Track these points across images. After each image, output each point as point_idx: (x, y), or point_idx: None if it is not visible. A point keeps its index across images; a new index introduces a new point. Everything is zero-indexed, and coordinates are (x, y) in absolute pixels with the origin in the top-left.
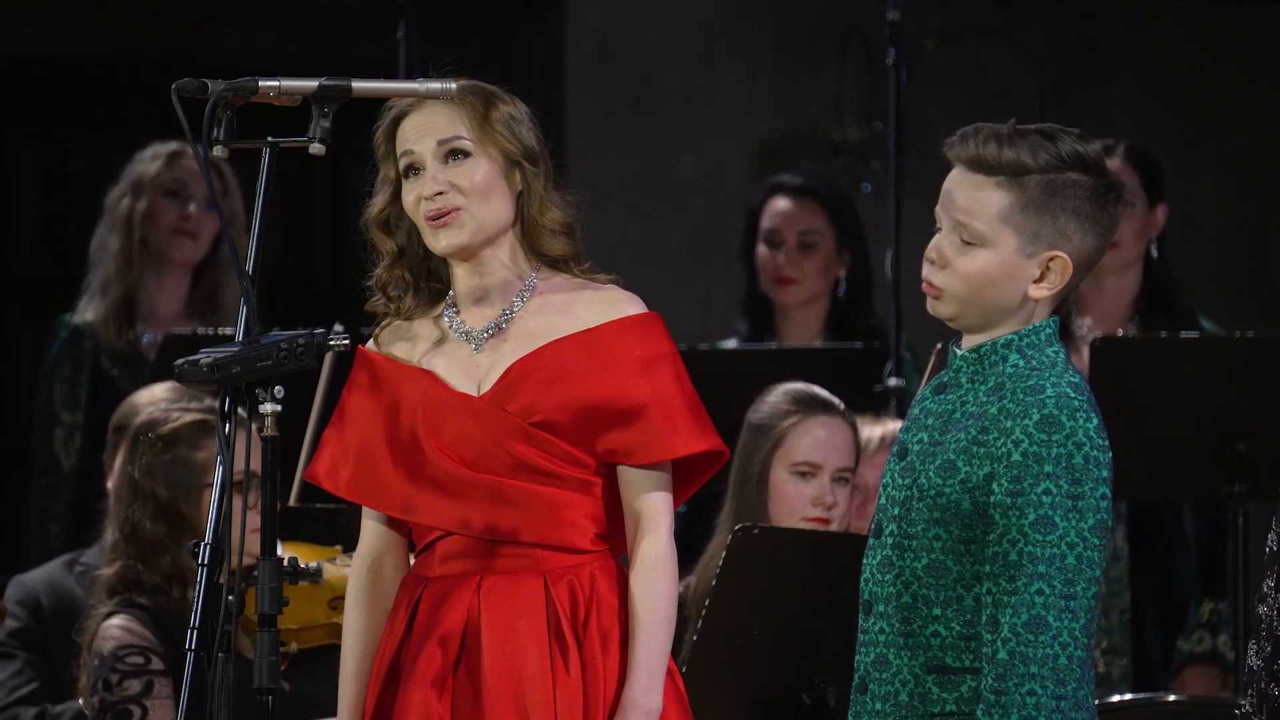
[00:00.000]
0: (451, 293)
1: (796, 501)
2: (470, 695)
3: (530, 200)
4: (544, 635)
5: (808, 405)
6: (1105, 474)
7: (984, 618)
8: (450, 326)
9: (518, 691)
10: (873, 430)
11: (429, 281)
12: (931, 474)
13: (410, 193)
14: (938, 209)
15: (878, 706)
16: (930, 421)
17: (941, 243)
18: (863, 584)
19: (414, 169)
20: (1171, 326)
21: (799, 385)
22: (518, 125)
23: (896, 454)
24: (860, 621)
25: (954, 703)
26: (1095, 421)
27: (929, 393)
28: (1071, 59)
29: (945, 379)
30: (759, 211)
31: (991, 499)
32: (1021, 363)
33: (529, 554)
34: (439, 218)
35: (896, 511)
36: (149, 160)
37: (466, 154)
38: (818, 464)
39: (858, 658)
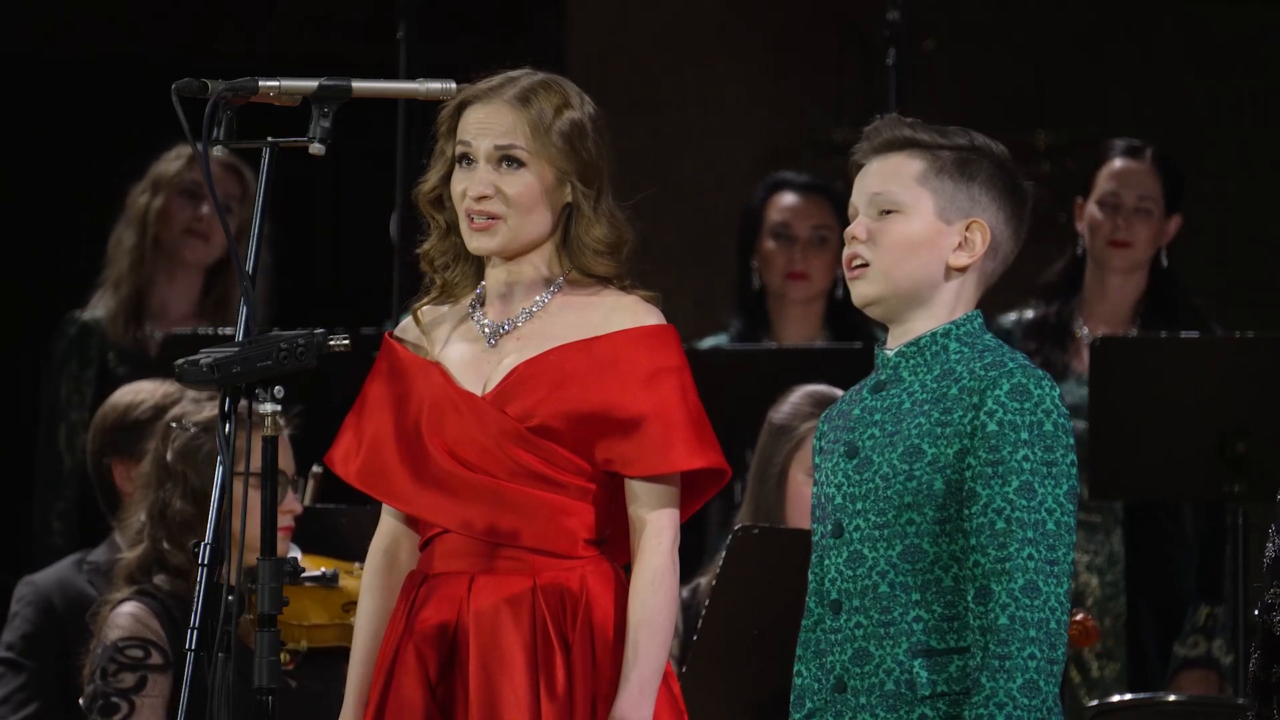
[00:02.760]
0: (482, 284)
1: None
2: (461, 695)
3: (577, 218)
4: (530, 646)
5: (827, 408)
6: (1070, 441)
7: (971, 591)
8: (473, 318)
9: (495, 708)
10: None
11: (471, 261)
12: (895, 461)
13: (459, 183)
14: (852, 201)
15: (861, 701)
16: (878, 418)
17: (860, 223)
18: (828, 585)
19: (468, 159)
20: (1173, 330)
21: (821, 387)
22: (580, 139)
23: (845, 454)
24: (829, 623)
25: (944, 683)
26: (1058, 390)
27: (867, 394)
28: (1071, 59)
29: (882, 378)
30: (760, 208)
31: (968, 473)
32: (966, 349)
33: (524, 558)
34: (478, 220)
35: (859, 506)
36: (171, 160)
37: (520, 163)
38: None
39: (830, 658)
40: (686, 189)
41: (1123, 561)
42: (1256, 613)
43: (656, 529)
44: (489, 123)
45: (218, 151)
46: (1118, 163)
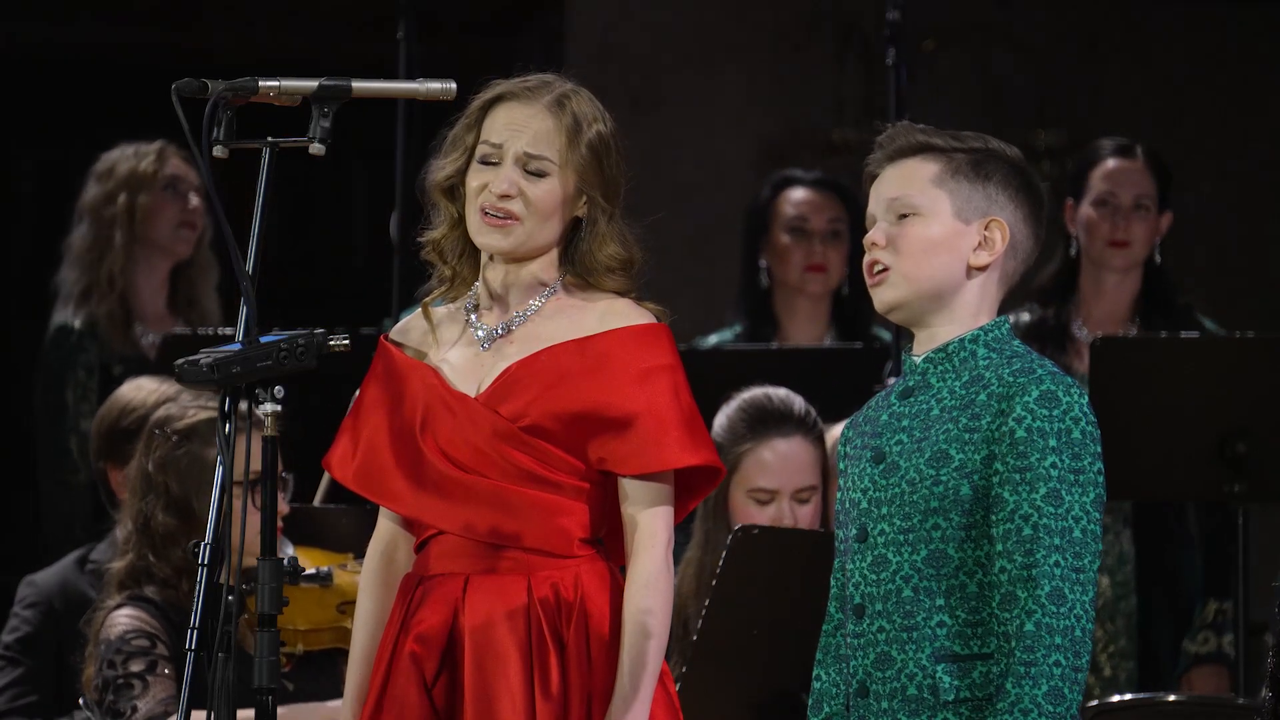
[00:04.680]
0: (477, 285)
1: (760, 520)
2: (457, 696)
3: (591, 233)
4: (525, 646)
5: (761, 425)
6: (1098, 449)
7: (998, 597)
8: (468, 322)
9: (491, 708)
10: None
11: (476, 254)
12: (922, 466)
13: (478, 178)
14: (869, 209)
15: (884, 705)
16: (906, 424)
17: (879, 229)
18: (851, 589)
19: (490, 159)
20: (1171, 329)
21: (756, 397)
22: (606, 154)
23: (871, 459)
24: (852, 627)
25: (967, 689)
26: (1086, 398)
27: (895, 400)
28: (1071, 59)
29: (910, 383)
30: (769, 205)
31: (995, 479)
32: (994, 355)
33: (519, 558)
34: (494, 216)
35: (884, 511)
36: (134, 157)
37: (546, 174)
38: (773, 489)
39: (853, 663)
40: (686, 189)
41: (1133, 561)
42: (1277, 609)
43: (650, 529)
44: (523, 125)
45: (218, 151)
46: (1111, 162)
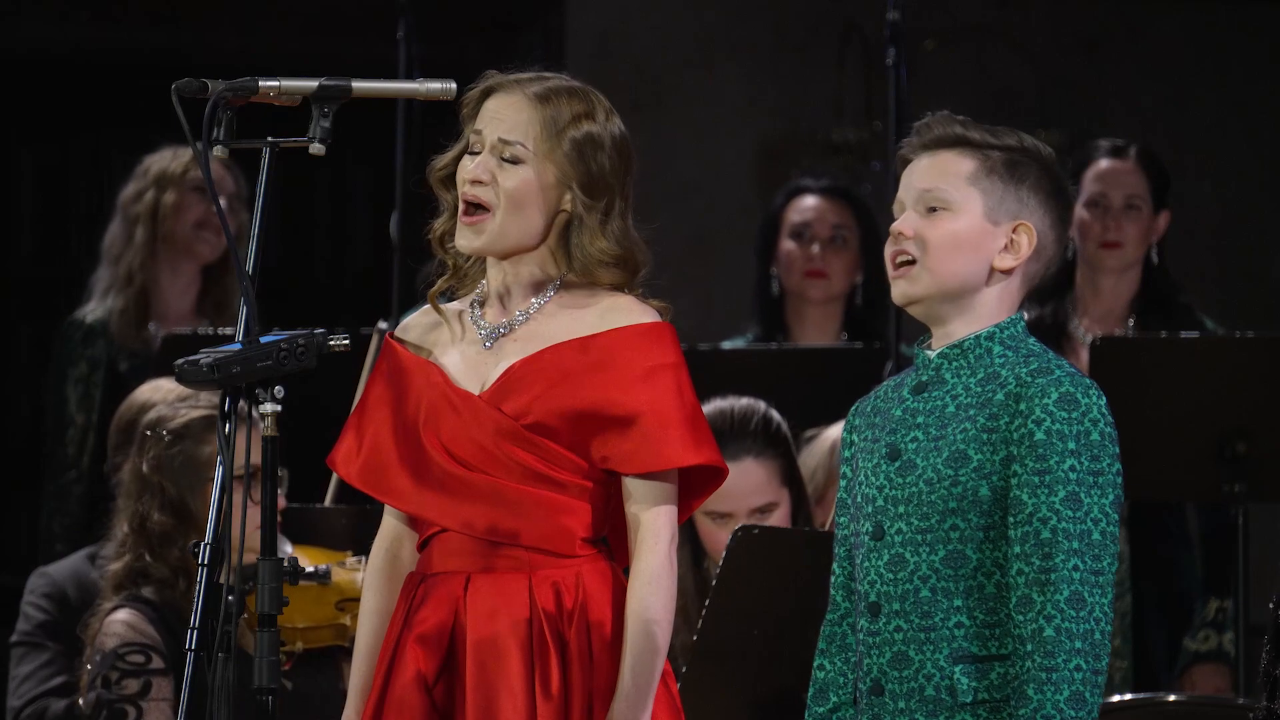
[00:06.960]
0: (483, 284)
1: (720, 538)
2: (458, 695)
3: (580, 228)
4: (527, 645)
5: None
6: (1116, 450)
7: (1014, 599)
8: (472, 319)
9: (492, 707)
10: None
11: None
12: (940, 466)
13: (463, 169)
14: (899, 196)
15: (900, 705)
16: (921, 420)
17: (907, 219)
18: (866, 586)
19: (474, 149)
20: (1171, 328)
21: (710, 416)
22: (593, 151)
23: (886, 456)
24: (866, 624)
25: (985, 691)
26: (1105, 399)
27: (907, 394)
28: (1071, 59)
29: (923, 379)
30: (779, 213)
31: (1014, 480)
32: (1011, 354)
33: (521, 556)
34: (470, 208)
35: (901, 510)
36: (171, 158)
37: (520, 161)
38: (727, 511)
39: (867, 661)
40: (686, 189)
41: (1128, 560)
42: (1271, 605)
43: (653, 528)
44: (503, 114)
45: (218, 151)
46: (1103, 163)
